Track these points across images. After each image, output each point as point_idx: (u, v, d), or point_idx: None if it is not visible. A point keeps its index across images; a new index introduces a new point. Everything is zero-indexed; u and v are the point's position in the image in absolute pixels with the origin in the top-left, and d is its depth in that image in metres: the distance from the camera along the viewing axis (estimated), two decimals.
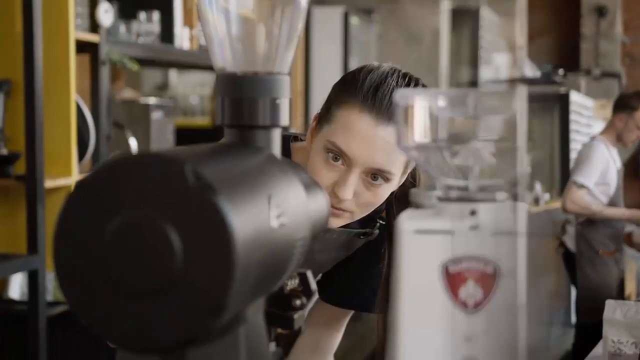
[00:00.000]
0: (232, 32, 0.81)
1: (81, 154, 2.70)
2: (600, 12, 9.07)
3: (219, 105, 0.81)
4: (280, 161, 0.79)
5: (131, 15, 3.09)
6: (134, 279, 0.61)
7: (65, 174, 2.57)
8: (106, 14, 2.73)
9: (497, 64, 6.83)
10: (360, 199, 1.23)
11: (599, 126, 7.90)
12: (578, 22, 9.19)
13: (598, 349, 2.00)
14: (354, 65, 5.55)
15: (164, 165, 0.62)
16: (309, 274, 0.84)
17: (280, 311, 0.80)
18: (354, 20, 5.37)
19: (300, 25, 0.84)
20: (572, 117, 6.54)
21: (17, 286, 2.67)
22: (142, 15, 3.10)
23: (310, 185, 0.87)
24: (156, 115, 3.20)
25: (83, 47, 2.72)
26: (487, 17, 6.92)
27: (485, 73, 6.70)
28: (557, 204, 6.18)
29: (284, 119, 0.81)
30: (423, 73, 1.39)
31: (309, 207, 0.79)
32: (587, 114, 7.00)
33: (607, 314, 1.79)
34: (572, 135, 6.52)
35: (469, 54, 6.97)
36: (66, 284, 0.63)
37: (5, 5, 2.53)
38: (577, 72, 6.96)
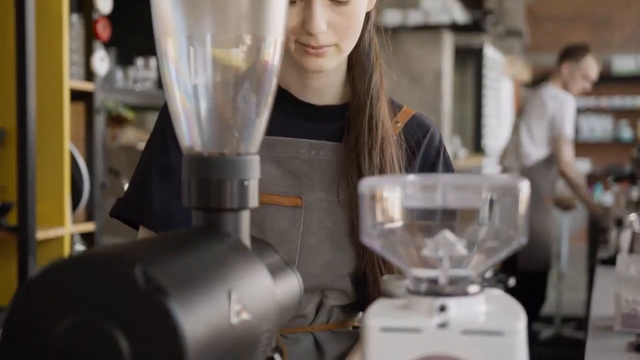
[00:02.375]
0: (200, 111, 0.79)
1: (75, 204, 2.68)
2: None
3: (185, 187, 0.78)
4: (246, 248, 0.76)
5: (128, 61, 3.09)
6: None
7: (59, 224, 2.55)
8: (102, 62, 2.72)
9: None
10: (336, 27, 1.15)
11: (507, 82, 8.04)
12: None
13: (608, 310, 1.79)
14: None
15: (113, 266, 0.59)
16: (277, 358, 0.81)
17: None
18: None
19: (270, 103, 0.81)
20: (485, 71, 6.68)
21: None
22: (139, 61, 3.10)
23: (280, 268, 0.84)
24: None
25: (78, 95, 2.71)
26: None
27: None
28: (475, 160, 6.25)
29: (253, 201, 0.78)
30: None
31: (276, 295, 0.76)
32: (498, 69, 7.17)
33: (619, 269, 1.63)
34: (484, 91, 6.68)
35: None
36: None
37: None
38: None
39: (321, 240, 1.22)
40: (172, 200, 1.21)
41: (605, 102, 9.95)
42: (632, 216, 3.10)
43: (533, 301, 4.49)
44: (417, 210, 0.68)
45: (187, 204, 0.77)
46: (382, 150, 1.22)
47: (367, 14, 1.25)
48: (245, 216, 0.78)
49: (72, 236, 2.77)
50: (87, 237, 2.83)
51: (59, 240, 2.56)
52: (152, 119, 5.83)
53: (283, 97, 1.27)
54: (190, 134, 0.79)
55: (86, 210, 2.77)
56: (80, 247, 3.03)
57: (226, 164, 0.77)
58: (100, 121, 2.76)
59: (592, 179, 9.82)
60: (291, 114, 1.26)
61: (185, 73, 0.78)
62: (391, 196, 0.67)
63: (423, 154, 1.29)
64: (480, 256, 0.69)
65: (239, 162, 0.78)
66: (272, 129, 1.23)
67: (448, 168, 1.30)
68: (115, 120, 3.37)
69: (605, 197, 6.05)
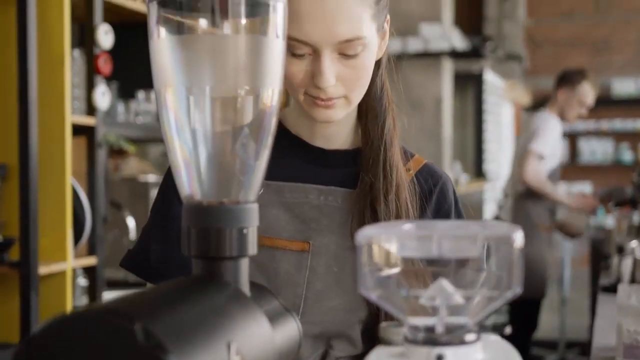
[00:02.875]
0: (199, 160, 0.80)
1: (77, 238, 2.69)
2: None
3: (185, 235, 0.79)
4: (245, 296, 0.77)
5: (130, 94, 3.11)
6: None
7: (61, 259, 2.55)
8: (103, 97, 2.74)
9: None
10: (345, 80, 1.14)
11: (507, 107, 8.08)
12: (481, 4, 9.36)
13: (610, 340, 1.77)
14: None
15: (113, 322, 0.60)
16: None
17: None
18: None
19: (267, 154, 0.82)
20: (485, 96, 6.70)
21: None
22: (141, 94, 3.12)
23: (280, 314, 0.84)
24: (155, 193, 3.19)
25: (80, 129, 2.72)
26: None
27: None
28: (477, 185, 6.27)
29: (252, 248, 0.79)
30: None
31: (275, 343, 0.77)
32: (498, 94, 7.20)
33: (620, 299, 1.62)
34: (484, 116, 6.70)
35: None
36: None
37: (0, 89, 2.55)
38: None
39: (327, 285, 1.21)
40: (169, 253, 1.23)
41: (605, 125, 9.97)
42: (634, 243, 3.10)
43: (525, 328, 4.47)
44: (413, 259, 0.69)
45: (186, 252, 0.78)
46: (397, 196, 1.21)
47: (378, 61, 1.25)
48: (244, 264, 0.79)
49: (74, 270, 2.78)
50: (89, 271, 2.83)
51: (61, 274, 2.56)
52: (153, 150, 5.86)
53: (294, 142, 1.27)
54: (189, 182, 0.81)
55: (88, 244, 2.77)
56: (82, 281, 3.03)
57: (225, 213, 0.78)
58: (101, 155, 2.78)
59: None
60: (302, 159, 1.26)
61: (185, 123, 0.80)
62: (388, 246, 0.68)
63: (435, 205, 1.28)
64: (477, 304, 0.69)
65: (238, 210, 0.79)
66: (283, 174, 1.24)
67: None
68: (118, 151, 3.39)
69: (607, 220, 6.05)
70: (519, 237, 0.67)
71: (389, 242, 0.68)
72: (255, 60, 0.81)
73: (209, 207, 0.79)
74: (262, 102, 0.81)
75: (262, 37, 0.81)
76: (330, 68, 1.12)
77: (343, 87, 1.15)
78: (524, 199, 4.42)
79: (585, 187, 9.90)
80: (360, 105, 1.27)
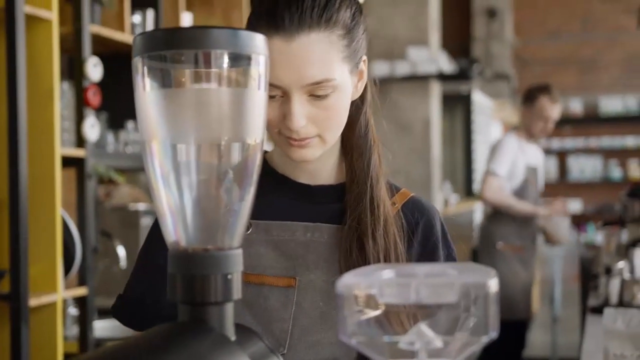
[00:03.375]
0: (184, 208, 0.82)
1: (67, 269, 2.70)
2: (491, 14, 9.35)
3: (171, 282, 0.82)
4: (229, 341, 0.79)
5: (119, 124, 3.14)
6: None
7: (51, 290, 2.56)
8: (92, 129, 2.77)
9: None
10: (316, 120, 1.16)
11: (496, 126, 8.14)
12: (469, 24, 9.45)
13: None
14: None
15: None
16: None
17: None
18: None
19: (251, 200, 0.84)
20: (474, 117, 6.74)
21: None
22: (130, 124, 3.14)
23: (265, 356, 0.86)
24: (146, 221, 3.21)
25: (69, 161, 2.74)
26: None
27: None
28: (467, 205, 6.30)
29: (237, 293, 0.81)
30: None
31: None
32: (487, 114, 7.24)
33: (606, 323, 1.62)
34: (473, 136, 6.73)
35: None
36: None
37: None
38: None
39: (313, 320, 1.22)
40: (149, 300, 1.25)
41: (594, 142, 10.05)
42: (621, 264, 3.12)
43: (514, 348, 4.47)
44: (392, 305, 0.71)
45: (172, 298, 0.81)
46: (385, 232, 1.23)
47: (363, 97, 1.27)
48: (229, 308, 0.81)
49: (64, 301, 2.79)
50: (80, 300, 2.84)
51: (51, 306, 2.57)
52: (144, 177, 5.87)
53: (280, 180, 1.29)
54: (175, 229, 0.83)
55: (78, 275, 2.78)
56: (73, 310, 3.04)
57: (210, 260, 0.80)
58: (91, 186, 2.79)
59: (584, 219, 9.89)
60: (288, 196, 1.28)
61: (170, 173, 0.82)
62: (367, 293, 0.70)
63: (422, 238, 1.28)
64: (455, 348, 0.71)
65: (222, 257, 0.81)
66: (271, 212, 1.26)
67: (450, 253, 1.30)
68: (109, 179, 3.40)
69: (597, 236, 6.09)
70: (493, 284, 0.69)
71: (369, 289, 0.70)
72: (239, 111, 0.83)
73: (194, 254, 0.81)
74: (245, 151, 0.84)
75: (245, 89, 0.84)
76: (300, 110, 1.14)
77: (315, 127, 1.17)
78: (489, 222, 4.45)
79: (575, 205, 9.96)
80: (344, 142, 1.29)
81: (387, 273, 0.73)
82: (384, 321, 0.72)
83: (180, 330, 0.77)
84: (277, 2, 1.14)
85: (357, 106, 1.28)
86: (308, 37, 1.12)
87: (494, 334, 0.70)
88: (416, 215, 1.30)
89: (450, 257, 1.31)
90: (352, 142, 1.28)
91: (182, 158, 0.82)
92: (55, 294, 2.56)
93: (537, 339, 6.35)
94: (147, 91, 0.82)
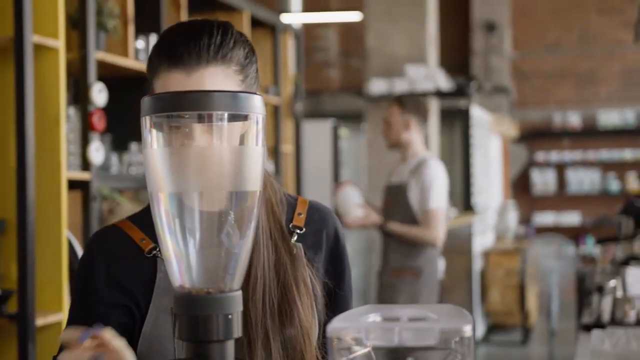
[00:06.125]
0: (188, 255, 0.90)
1: None
2: (490, 28, 9.41)
3: (176, 321, 0.90)
4: None
5: (123, 146, 3.21)
6: None
7: (57, 310, 2.64)
8: (97, 152, 2.85)
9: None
10: None
11: (495, 140, 8.18)
12: (467, 37, 9.51)
13: None
14: (344, 173, 5.69)
15: None
16: None
17: None
18: (343, 132, 5.52)
19: (248, 248, 0.92)
20: (472, 131, 6.80)
21: None
22: (134, 146, 3.22)
23: None
24: None
25: (75, 184, 2.82)
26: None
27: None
28: (465, 220, 6.34)
29: (237, 332, 0.89)
30: None
31: None
32: (486, 127, 7.29)
33: (594, 344, 1.65)
34: (472, 150, 6.79)
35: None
36: None
37: None
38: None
39: None
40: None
41: (592, 155, 10.12)
42: (612, 282, 3.17)
43: None
44: (378, 348, 0.79)
45: (178, 337, 0.89)
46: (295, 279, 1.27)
47: None
48: (230, 346, 0.89)
49: None
50: None
51: (57, 325, 2.65)
52: (145, 195, 5.92)
53: None
54: (180, 274, 0.91)
55: None
56: None
57: (212, 302, 0.89)
58: (96, 208, 2.87)
59: (582, 232, 9.96)
60: None
61: (176, 222, 0.90)
62: (354, 337, 0.78)
63: (327, 246, 1.35)
64: None
65: (223, 299, 0.89)
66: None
67: (345, 259, 1.36)
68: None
69: (595, 249, 6.14)
70: (468, 329, 0.77)
71: (356, 333, 0.78)
72: (239, 165, 0.92)
73: (197, 296, 0.89)
74: (245, 199, 0.92)
75: (244, 146, 0.92)
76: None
77: None
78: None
79: (573, 217, 10.02)
80: None
81: (372, 318, 0.80)
82: None
83: None
84: (177, 39, 1.21)
85: None
86: (206, 70, 1.20)
87: None
88: (319, 223, 1.35)
89: (347, 259, 1.37)
90: None
91: (186, 207, 0.90)
92: (62, 313, 2.63)
93: (534, 351, 6.40)
94: (154, 148, 0.90)
